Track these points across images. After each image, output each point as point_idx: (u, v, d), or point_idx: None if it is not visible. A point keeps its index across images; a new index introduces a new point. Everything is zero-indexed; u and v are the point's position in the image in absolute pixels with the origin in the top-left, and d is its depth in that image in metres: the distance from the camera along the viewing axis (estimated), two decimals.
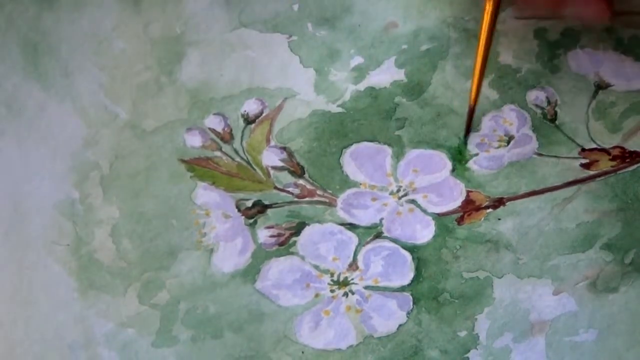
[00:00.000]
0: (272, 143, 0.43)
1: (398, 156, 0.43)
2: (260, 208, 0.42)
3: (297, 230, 0.41)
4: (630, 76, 0.43)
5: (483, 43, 0.40)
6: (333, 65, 0.45)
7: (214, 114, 0.44)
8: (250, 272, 0.41)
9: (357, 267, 0.41)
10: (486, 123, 0.43)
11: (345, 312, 0.40)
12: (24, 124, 0.45)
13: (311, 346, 0.39)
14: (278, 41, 0.46)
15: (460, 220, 0.41)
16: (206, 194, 0.42)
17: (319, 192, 0.42)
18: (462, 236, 0.41)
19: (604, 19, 0.41)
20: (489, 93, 0.44)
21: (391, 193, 0.42)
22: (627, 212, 0.40)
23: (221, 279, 0.41)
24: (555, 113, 0.43)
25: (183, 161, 0.43)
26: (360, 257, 0.41)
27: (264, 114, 0.44)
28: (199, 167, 0.43)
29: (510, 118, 0.43)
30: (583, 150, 0.42)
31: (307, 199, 0.42)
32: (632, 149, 0.42)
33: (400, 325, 0.40)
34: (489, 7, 0.39)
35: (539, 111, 0.43)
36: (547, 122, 0.43)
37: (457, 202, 0.42)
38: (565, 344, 0.38)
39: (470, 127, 0.42)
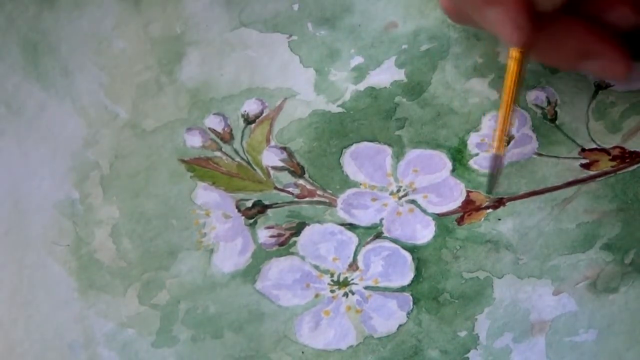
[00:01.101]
0: (272, 143, 0.43)
1: (398, 156, 0.43)
2: (260, 208, 0.42)
3: (297, 230, 0.41)
4: (630, 76, 0.43)
5: (508, 99, 0.40)
6: (333, 65, 0.45)
7: (214, 114, 0.44)
8: (250, 272, 0.41)
9: (357, 268, 0.41)
10: (486, 123, 0.43)
11: (345, 312, 0.40)
12: (23, 124, 0.45)
13: (311, 346, 0.39)
14: (278, 41, 0.46)
15: (460, 221, 0.41)
16: (206, 194, 0.42)
17: (319, 192, 0.42)
18: (462, 236, 0.41)
19: (623, 77, 0.41)
20: (488, 93, 0.44)
21: (391, 193, 0.42)
22: (627, 212, 0.40)
23: (221, 279, 0.41)
24: (555, 113, 0.43)
25: (183, 161, 0.43)
26: (360, 258, 0.41)
27: (264, 114, 0.44)
28: (199, 167, 0.43)
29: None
30: (583, 150, 0.42)
31: (307, 199, 0.42)
32: (632, 149, 0.42)
33: (400, 326, 0.39)
34: (515, 55, 0.39)
35: (539, 111, 0.43)
36: (547, 122, 0.43)
37: (457, 202, 0.42)
38: (565, 344, 0.38)
39: (496, 180, 0.41)
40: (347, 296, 0.40)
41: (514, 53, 0.39)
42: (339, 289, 0.40)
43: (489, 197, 0.41)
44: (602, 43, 0.39)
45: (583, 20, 0.39)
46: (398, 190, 0.42)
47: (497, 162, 0.41)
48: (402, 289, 0.40)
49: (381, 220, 0.41)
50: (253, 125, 0.44)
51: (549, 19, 0.38)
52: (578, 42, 0.39)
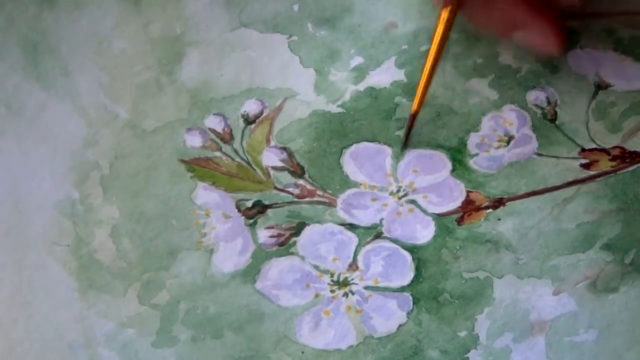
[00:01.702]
0: (272, 143, 0.43)
1: (398, 156, 0.43)
2: (260, 208, 0.42)
3: (297, 230, 0.41)
4: (630, 76, 0.43)
5: (433, 54, 0.40)
6: (333, 66, 0.45)
7: (214, 114, 0.44)
8: (250, 273, 0.41)
9: (357, 268, 0.41)
10: (486, 123, 0.43)
11: (345, 312, 0.40)
12: (24, 124, 0.45)
13: (311, 346, 0.39)
14: (278, 41, 0.46)
15: (460, 221, 0.41)
16: (206, 194, 0.42)
17: (319, 192, 0.42)
18: (462, 236, 0.41)
19: (554, 52, 0.41)
20: (489, 93, 0.44)
21: (391, 193, 0.42)
22: (627, 213, 0.40)
23: (221, 279, 0.41)
24: (555, 113, 0.43)
25: (183, 161, 0.43)
26: (360, 258, 0.41)
27: (264, 114, 0.44)
28: (199, 167, 0.43)
29: (510, 118, 0.43)
30: (583, 150, 0.42)
31: (307, 199, 0.42)
32: (632, 149, 0.42)
33: (400, 326, 0.39)
34: (444, 15, 0.39)
35: (539, 111, 0.43)
36: (547, 122, 0.43)
37: (457, 203, 0.42)
38: (565, 344, 0.38)
39: (409, 135, 0.42)
40: (347, 296, 0.40)
41: (444, 14, 0.39)
42: (339, 289, 0.40)
43: (488, 197, 0.41)
44: (534, 14, 0.39)
45: None
46: (398, 191, 0.42)
47: (412, 120, 0.42)
48: (402, 289, 0.40)
49: (381, 220, 0.41)
50: (253, 125, 0.44)
51: None
52: (510, 11, 0.39)
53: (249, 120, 0.44)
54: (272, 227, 0.42)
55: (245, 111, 0.44)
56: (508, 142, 0.42)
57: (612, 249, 0.40)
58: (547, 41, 0.39)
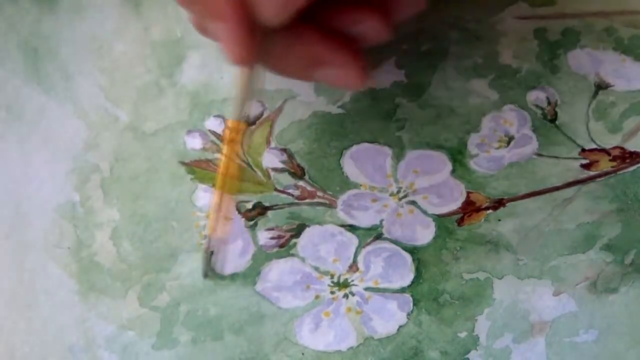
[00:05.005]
0: (273, 145, 0.43)
1: (398, 157, 0.43)
2: (260, 210, 0.42)
3: (298, 232, 0.41)
4: (630, 76, 0.43)
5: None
6: None
7: (215, 116, 0.44)
8: (251, 274, 0.41)
9: (358, 269, 0.41)
10: (486, 123, 0.43)
11: (345, 314, 0.40)
12: (24, 127, 0.45)
13: (311, 348, 0.39)
14: None
15: (460, 222, 0.41)
16: (207, 196, 0.43)
17: (319, 193, 0.42)
18: (462, 237, 0.41)
19: (357, 87, 0.40)
20: (489, 93, 0.44)
21: (391, 194, 0.42)
22: (627, 213, 0.40)
23: (221, 281, 0.41)
24: (556, 113, 0.43)
25: (183, 163, 0.43)
26: (360, 259, 0.41)
27: (264, 116, 0.44)
28: (200, 170, 0.43)
29: (510, 118, 0.43)
30: (583, 150, 0.42)
31: (307, 200, 0.42)
32: (632, 149, 0.42)
33: (400, 327, 0.40)
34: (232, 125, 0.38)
35: (539, 111, 0.43)
36: (547, 122, 0.43)
37: (457, 203, 0.42)
38: (565, 344, 0.38)
39: (210, 263, 0.41)
40: (347, 297, 0.40)
41: (231, 134, 0.39)
42: (339, 290, 0.40)
43: (488, 197, 0.41)
44: (334, 51, 0.37)
45: (314, 26, 0.37)
46: (398, 192, 0.42)
47: (209, 244, 0.41)
48: (402, 290, 0.40)
49: (381, 221, 0.41)
50: (253, 127, 0.44)
51: (278, 28, 0.35)
52: (308, 49, 0.37)
53: (249, 122, 0.44)
54: (272, 229, 0.42)
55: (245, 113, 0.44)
56: (508, 143, 0.42)
57: (612, 249, 0.40)
58: (348, 76, 0.38)
